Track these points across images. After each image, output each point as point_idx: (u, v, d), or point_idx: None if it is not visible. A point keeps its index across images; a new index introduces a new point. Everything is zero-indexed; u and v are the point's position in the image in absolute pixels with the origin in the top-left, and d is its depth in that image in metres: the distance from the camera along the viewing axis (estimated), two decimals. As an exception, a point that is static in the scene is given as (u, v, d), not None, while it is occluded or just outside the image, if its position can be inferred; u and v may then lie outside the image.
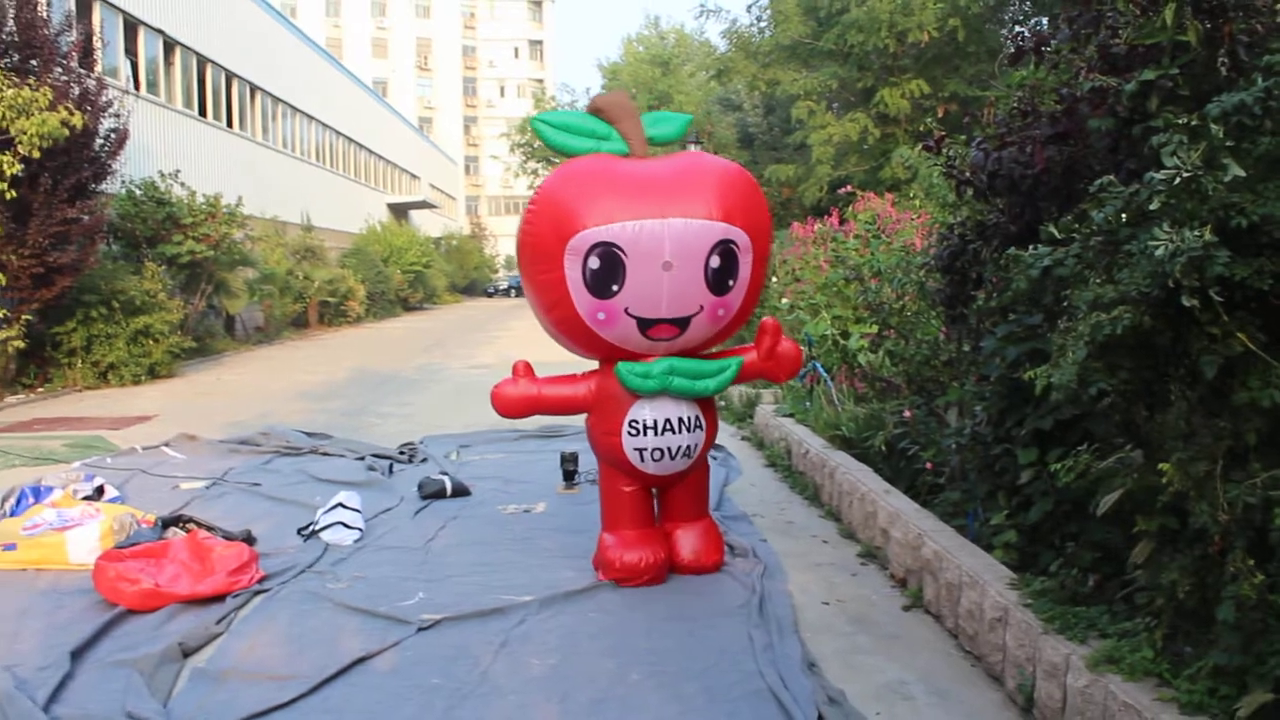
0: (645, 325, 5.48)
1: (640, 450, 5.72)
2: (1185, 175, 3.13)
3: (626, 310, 5.41)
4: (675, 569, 5.93)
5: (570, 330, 5.61)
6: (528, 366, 5.95)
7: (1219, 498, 3.26)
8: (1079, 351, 3.43)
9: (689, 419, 5.74)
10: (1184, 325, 3.31)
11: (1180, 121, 3.29)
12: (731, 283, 5.50)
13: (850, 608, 5.50)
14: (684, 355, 5.68)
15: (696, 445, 5.82)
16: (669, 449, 5.73)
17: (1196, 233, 3.05)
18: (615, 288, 5.35)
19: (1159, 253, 3.10)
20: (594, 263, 5.30)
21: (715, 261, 5.40)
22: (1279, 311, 3.25)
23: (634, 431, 5.70)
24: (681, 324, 5.51)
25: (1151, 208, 3.23)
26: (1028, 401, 4.96)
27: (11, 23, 14.67)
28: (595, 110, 5.77)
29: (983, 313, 6.07)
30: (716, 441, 9.86)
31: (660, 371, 5.58)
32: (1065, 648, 3.93)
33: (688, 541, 5.99)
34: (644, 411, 5.69)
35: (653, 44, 54.51)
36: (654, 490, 6.10)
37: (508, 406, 5.90)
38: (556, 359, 5.47)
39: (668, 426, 5.69)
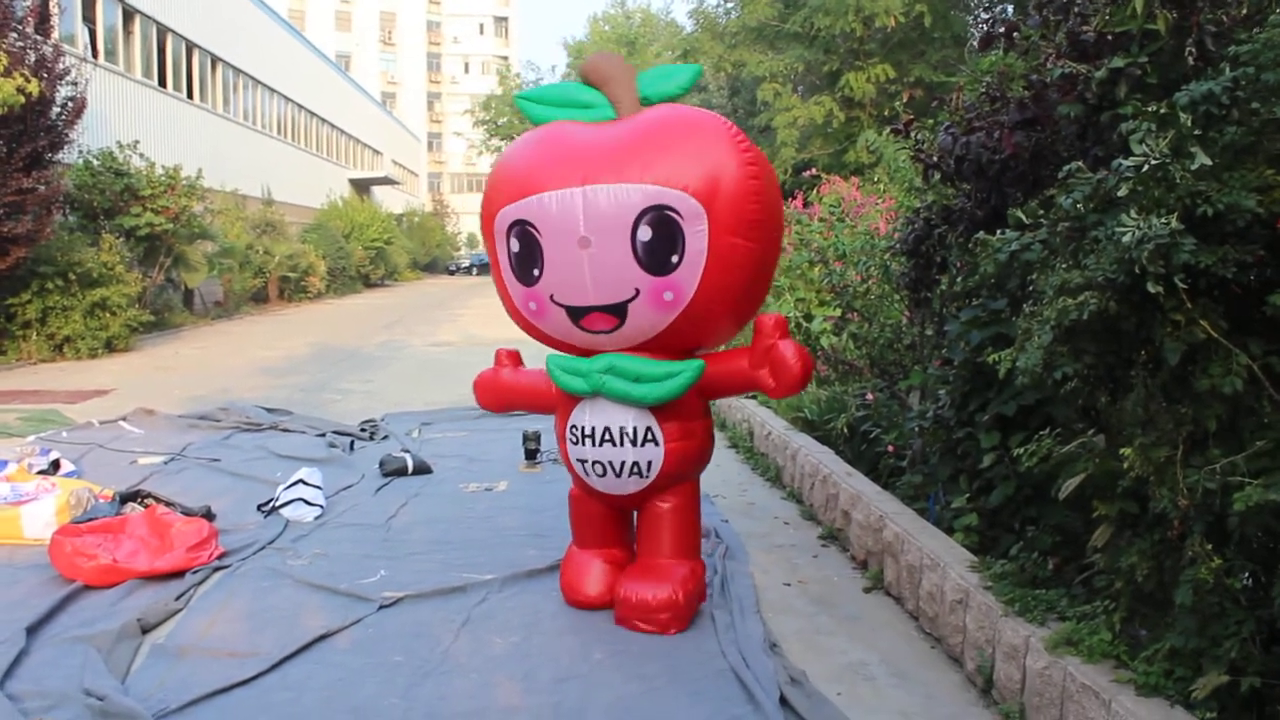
0: (575, 315, 4.69)
1: (581, 461, 4.95)
2: (1154, 163, 3.15)
3: (552, 298, 4.69)
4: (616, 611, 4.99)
5: (521, 323, 5.00)
6: (512, 355, 5.43)
7: (1179, 483, 3.29)
8: (1045, 336, 3.45)
9: (635, 431, 4.79)
10: (1148, 312, 3.34)
11: (1150, 109, 3.31)
12: (675, 259, 4.45)
13: (812, 589, 5.53)
14: (636, 352, 4.75)
15: (650, 464, 4.82)
16: (611, 464, 4.86)
17: (1164, 220, 3.07)
18: (536, 272, 4.65)
19: (1126, 239, 3.12)
20: (514, 244, 4.68)
21: (645, 233, 4.43)
22: (1241, 299, 3.29)
23: (574, 439, 4.94)
24: (617, 312, 4.61)
25: (1119, 194, 3.25)
26: (990, 386, 4.99)
27: (-35, -12, 14.41)
28: (583, 76, 4.94)
29: (947, 297, 6.11)
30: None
31: (595, 370, 4.77)
32: (1025, 630, 3.96)
33: (635, 588, 4.91)
34: (584, 416, 4.89)
35: (619, 23, 54.44)
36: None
37: (483, 395, 5.46)
38: (522, 338, 5.15)
39: (607, 437, 4.82)
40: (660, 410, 4.79)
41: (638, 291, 4.54)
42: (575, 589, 5.15)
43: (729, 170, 4.47)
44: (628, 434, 4.80)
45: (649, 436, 4.80)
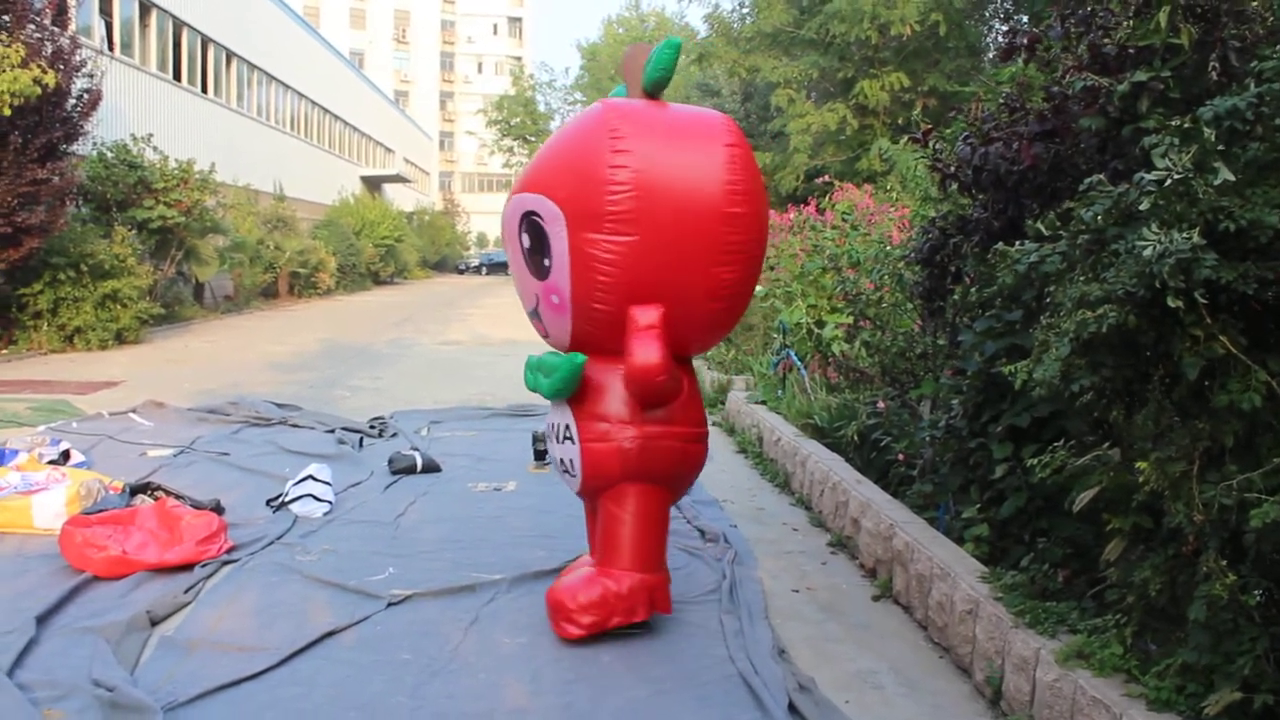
0: (531, 318, 4.97)
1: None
2: (1176, 177, 3.15)
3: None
4: None
5: None
6: None
7: (1195, 498, 3.28)
8: (1063, 348, 3.45)
9: (559, 427, 4.86)
10: (1167, 326, 3.33)
11: (1173, 124, 3.31)
12: (547, 262, 4.56)
13: (820, 596, 5.53)
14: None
15: (573, 462, 4.80)
16: (557, 459, 4.99)
17: (1185, 235, 3.06)
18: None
19: (1147, 253, 3.11)
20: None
21: (525, 240, 4.63)
22: (1261, 316, 3.28)
23: None
24: (537, 318, 4.86)
25: (1141, 208, 3.24)
26: (1003, 397, 4.99)
27: (-17, -22, 14.45)
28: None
29: (960, 307, 6.10)
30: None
31: (532, 364, 4.89)
32: (1035, 642, 3.96)
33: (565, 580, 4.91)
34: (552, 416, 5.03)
35: (633, 25, 54.52)
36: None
37: None
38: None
39: (553, 432, 4.96)
40: (578, 407, 4.74)
41: (538, 298, 4.73)
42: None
43: (587, 164, 4.40)
44: (558, 430, 4.87)
45: (568, 433, 4.79)
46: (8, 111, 13.18)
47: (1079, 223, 3.60)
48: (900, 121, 23.67)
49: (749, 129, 34.78)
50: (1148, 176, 3.25)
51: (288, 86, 37.38)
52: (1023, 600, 4.28)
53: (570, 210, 4.42)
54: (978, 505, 5.23)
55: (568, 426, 4.78)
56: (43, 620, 4.74)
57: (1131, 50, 4.14)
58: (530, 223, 4.56)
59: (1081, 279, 3.56)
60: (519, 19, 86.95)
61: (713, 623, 4.97)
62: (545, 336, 4.94)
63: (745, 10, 28.17)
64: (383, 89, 61.80)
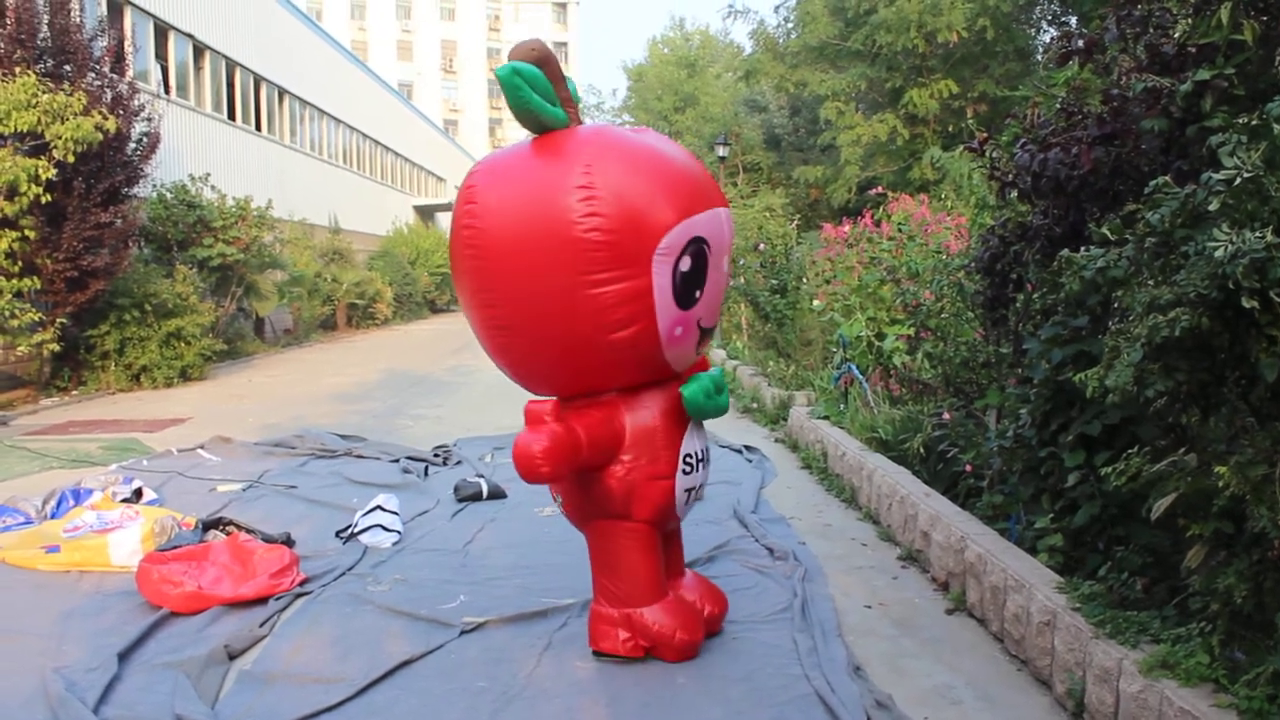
0: (704, 336, 4.65)
1: (689, 490, 4.79)
2: (1246, 175, 3.10)
3: (699, 322, 4.53)
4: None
5: (634, 352, 4.41)
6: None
7: (1278, 502, 3.22)
8: (1135, 354, 3.40)
9: (701, 452, 4.84)
10: (1242, 327, 3.28)
11: (1240, 121, 3.25)
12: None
13: (893, 611, 5.47)
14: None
15: (702, 487, 4.98)
16: (689, 489, 4.79)
17: (1258, 234, 3.01)
18: (698, 294, 4.43)
19: (1219, 254, 3.07)
20: (685, 264, 4.32)
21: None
22: (1339, 313, 3.21)
23: (687, 468, 4.74)
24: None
25: (1210, 208, 3.20)
26: (1072, 404, 4.93)
27: (46, 28, 14.78)
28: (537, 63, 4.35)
29: (1023, 315, 6.03)
30: (751, 444, 9.93)
31: (720, 383, 4.73)
32: (1117, 652, 3.89)
33: (697, 592, 5.05)
34: (694, 443, 4.78)
35: (678, 45, 54.58)
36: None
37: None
38: None
39: (694, 459, 4.78)
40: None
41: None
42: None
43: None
44: (699, 454, 4.85)
45: (705, 456, 4.94)
46: (72, 159, 13.47)
47: (1145, 226, 3.55)
48: (951, 129, 23.52)
49: (798, 143, 34.75)
50: (1216, 176, 3.20)
51: (339, 121, 37.85)
52: (1102, 610, 4.21)
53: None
54: (1050, 515, 5.16)
55: (706, 449, 4.90)
56: (124, 656, 4.82)
57: (1192, 49, 4.08)
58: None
59: (1151, 283, 3.52)
60: (564, 43, 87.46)
61: (786, 642, 4.93)
62: None
63: (790, 25, 28.18)
64: (432, 118, 62.41)
